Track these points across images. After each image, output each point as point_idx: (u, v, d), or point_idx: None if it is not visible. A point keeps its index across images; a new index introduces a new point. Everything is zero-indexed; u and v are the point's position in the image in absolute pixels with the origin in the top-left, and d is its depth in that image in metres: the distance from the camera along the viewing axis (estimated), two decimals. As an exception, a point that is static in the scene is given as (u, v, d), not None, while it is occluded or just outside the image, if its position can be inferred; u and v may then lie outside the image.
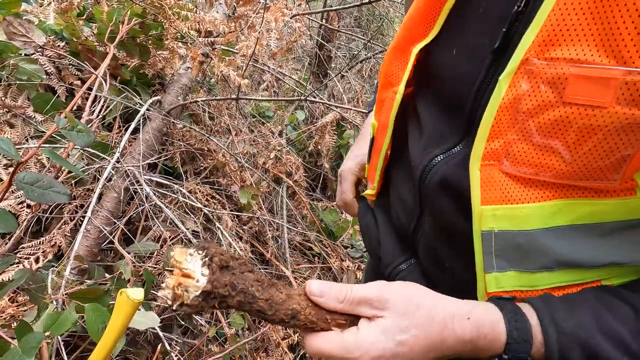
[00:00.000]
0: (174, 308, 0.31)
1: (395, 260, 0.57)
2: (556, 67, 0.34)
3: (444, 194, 0.46)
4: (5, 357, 0.49)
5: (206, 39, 1.34)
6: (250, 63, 1.25)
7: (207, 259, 0.32)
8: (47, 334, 0.63)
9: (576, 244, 0.39)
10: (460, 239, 0.44)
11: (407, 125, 0.56)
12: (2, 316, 0.82)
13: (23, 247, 1.17)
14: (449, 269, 0.49)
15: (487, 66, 0.41)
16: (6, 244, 1.02)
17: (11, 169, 1.28)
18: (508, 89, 0.38)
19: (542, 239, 0.39)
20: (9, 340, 0.56)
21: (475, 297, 0.44)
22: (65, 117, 0.60)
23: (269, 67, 1.83)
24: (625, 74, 0.31)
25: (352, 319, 0.40)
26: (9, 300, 0.86)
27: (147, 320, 0.87)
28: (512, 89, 0.38)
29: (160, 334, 1.13)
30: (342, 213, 2.13)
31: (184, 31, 1.37)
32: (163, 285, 0.32)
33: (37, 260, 1.18)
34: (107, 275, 1.10)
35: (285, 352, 1.46)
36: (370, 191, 0.65)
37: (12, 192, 1.26)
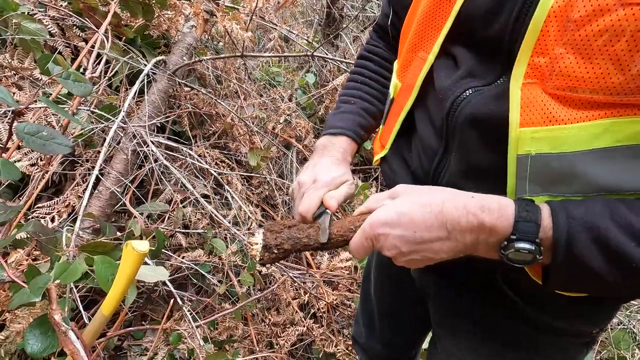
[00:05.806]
0: (258, 262, 0.54)
1: None
2: None
3: (475, 125, 0.45)
4: (15, 296, 0.51)
5: (209, -7, 1.29)
6: (256, 19, 1.20)
7: (261, 230, 0.55)
8: (57, 282, 0.64)
9: (618, 167, 0.37)
10: (487, 171, 0.44)
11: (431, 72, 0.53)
12: (19, 268, 0.85)
13: (39, 207, 1.20)
14: None
15: None
16: (18, 201, 1.05)
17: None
18: None
19: (581, 161, 0.38)
20: (23, 284, 0.57)
21: None
22: (59, 64, 0.58)
23: (275, 24, 1.76)
24: None
25: None
26: (25, 254, 0.89)
27: (157, 275, 0.89)
28: None
29: (173, 290, 1.16)
30: (353, 178, 2.11)
31: (186, -14, 1.31)
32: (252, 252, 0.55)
33: (52, 220, 1.21)
34: (119, 233, 1.12)
35: (296, 311, 1.49)
36: (380, 155, 0.65)
37: (25, 154, 1.28)
